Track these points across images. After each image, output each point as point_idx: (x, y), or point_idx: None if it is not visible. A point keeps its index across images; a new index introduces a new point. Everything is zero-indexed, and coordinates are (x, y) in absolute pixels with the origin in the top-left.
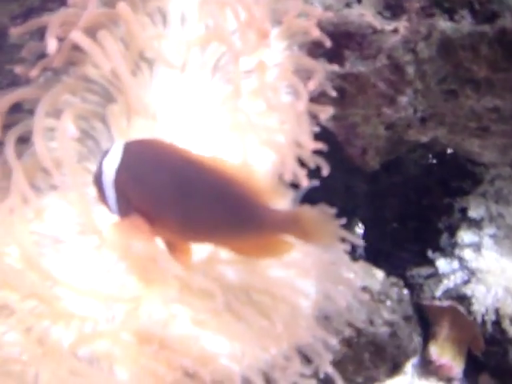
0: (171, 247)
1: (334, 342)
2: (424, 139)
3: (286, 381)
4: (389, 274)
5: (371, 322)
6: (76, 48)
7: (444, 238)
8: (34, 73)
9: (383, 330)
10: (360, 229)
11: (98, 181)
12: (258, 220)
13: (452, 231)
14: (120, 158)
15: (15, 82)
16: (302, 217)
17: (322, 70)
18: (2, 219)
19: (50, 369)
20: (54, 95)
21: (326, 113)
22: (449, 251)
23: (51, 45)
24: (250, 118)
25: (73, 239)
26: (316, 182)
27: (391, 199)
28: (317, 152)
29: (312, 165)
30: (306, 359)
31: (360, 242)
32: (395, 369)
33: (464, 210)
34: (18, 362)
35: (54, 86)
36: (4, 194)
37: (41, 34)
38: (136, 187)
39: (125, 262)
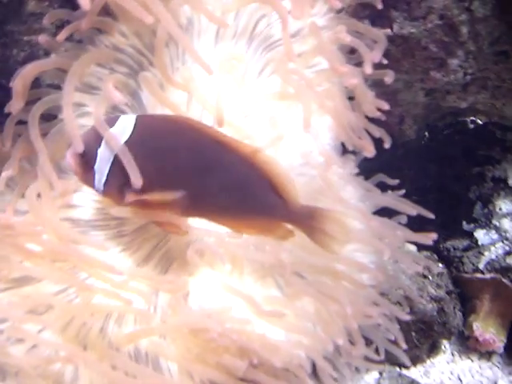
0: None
1: (407, 317)
2: (463, 105)
3: (350, 364)
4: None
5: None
6: (102, 14)
7: (477, 209)
8: (60, 37)
9: (431, 307)
10: None
11: (91, 151)
12: (271, 207)
13: (486, 201)
14: (130, 131)
15: (33, 54)
16: (319, 215)
17: (384, 39)
18: (31, 205)
19: (90, 365)
20: (81, 66)
21: (389, 76)
22: (483, 222)
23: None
24: (310, 82)
25: (105, 223)
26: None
27: (406, 171)
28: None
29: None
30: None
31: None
32: (435, 346)
33: (499, 179)
34: (55, 362)
35: (79, 56)
36: (29, 177)
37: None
38: (146, 164)
39: None
